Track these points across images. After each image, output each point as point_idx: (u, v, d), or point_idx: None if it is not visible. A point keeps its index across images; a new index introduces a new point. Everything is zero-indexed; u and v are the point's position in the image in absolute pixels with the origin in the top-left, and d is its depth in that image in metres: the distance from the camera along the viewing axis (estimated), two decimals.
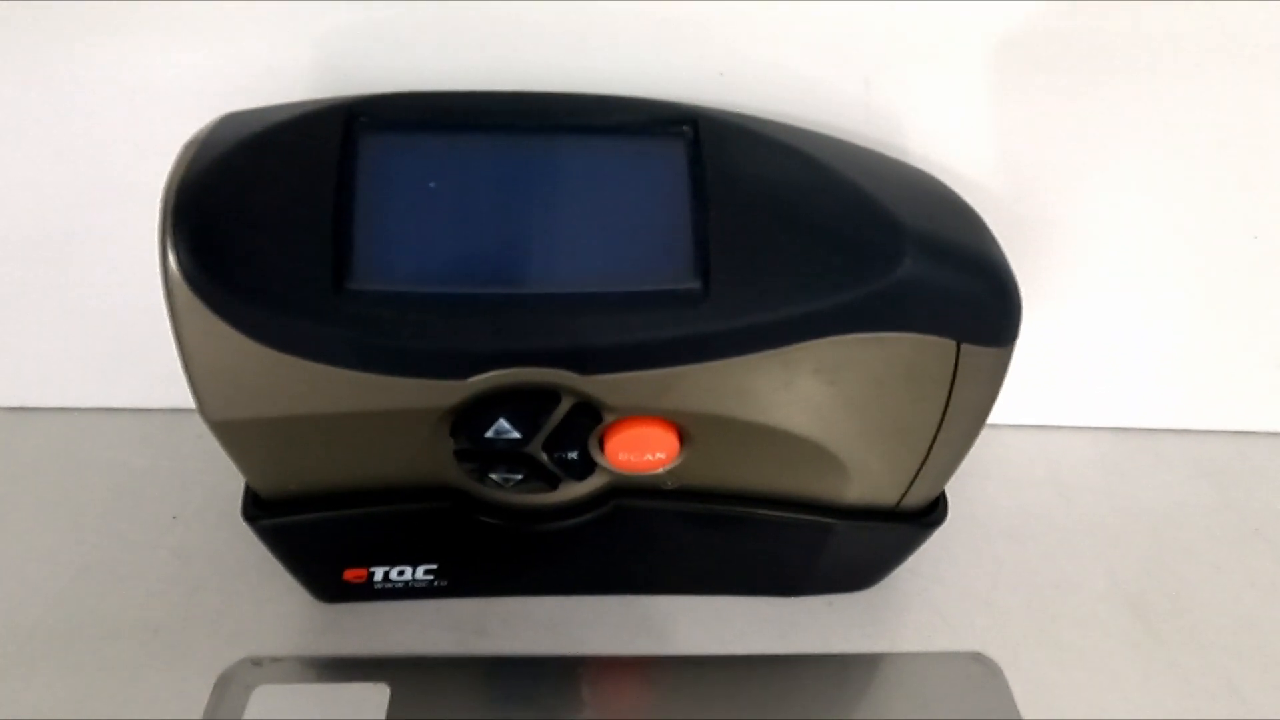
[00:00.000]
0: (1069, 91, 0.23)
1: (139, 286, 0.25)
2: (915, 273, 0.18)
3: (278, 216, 0.17)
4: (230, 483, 0.25)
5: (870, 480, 0.21)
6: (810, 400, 0.19)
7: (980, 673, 0.22)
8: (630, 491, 0.21)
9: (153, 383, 0.27)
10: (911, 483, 0.21)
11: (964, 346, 0.18)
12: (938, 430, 0.20)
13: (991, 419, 0.28)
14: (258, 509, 0.20)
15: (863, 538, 0.22)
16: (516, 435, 0.19)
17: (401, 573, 0.22)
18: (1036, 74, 0.23)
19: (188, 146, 0.17)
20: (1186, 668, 0.22)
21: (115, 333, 0.27)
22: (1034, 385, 0.28)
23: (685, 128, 0.19)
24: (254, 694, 0.20)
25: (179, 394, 0.27)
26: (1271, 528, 0.26)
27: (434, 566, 0.22)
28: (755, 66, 0.22)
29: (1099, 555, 0.25)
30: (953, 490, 0.23)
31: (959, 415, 0.20)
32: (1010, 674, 0.22)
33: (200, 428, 0.27)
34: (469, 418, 0.18)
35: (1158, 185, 0.25)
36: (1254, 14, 0.22)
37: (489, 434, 0.19)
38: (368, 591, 0.22)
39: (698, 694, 0.21)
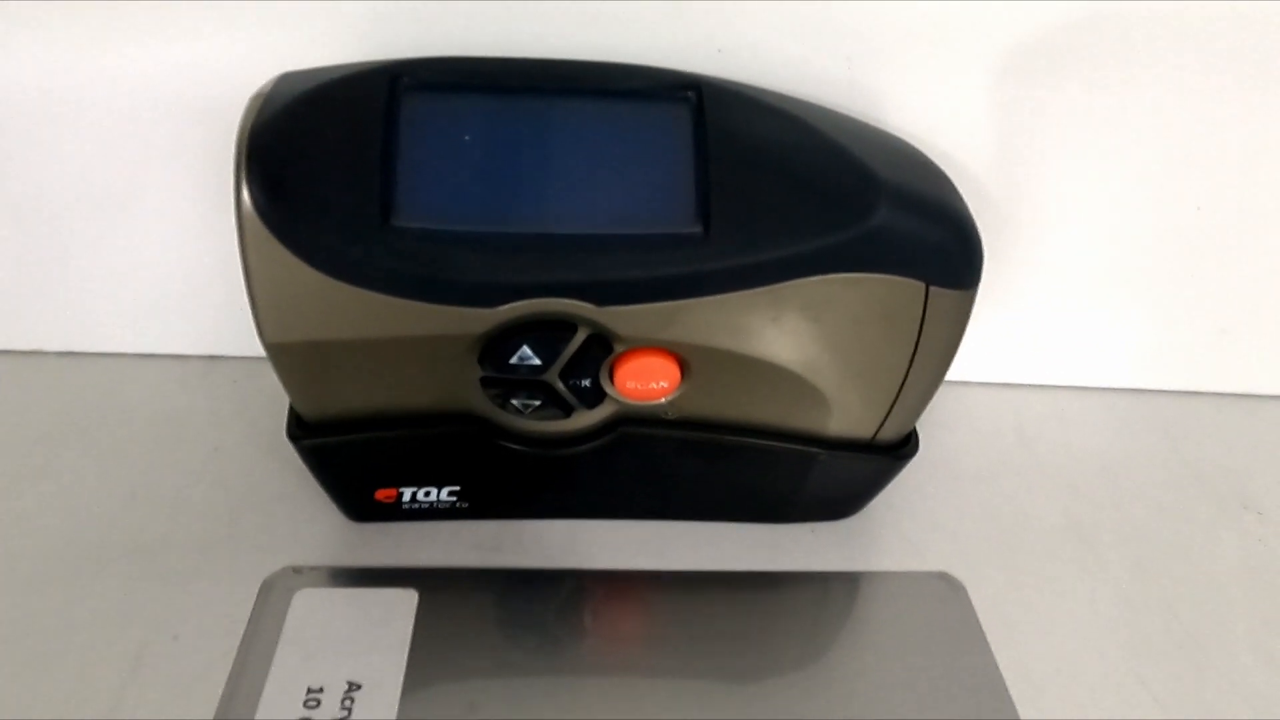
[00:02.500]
0: (1035, 77, 0.26)
1: (179, 243, 0.28)
2: (888, 220, 0.20)
3: (333, 161, 0.19)
4: (265, 419, 0.27)
5: (849, 414, 0.23)
6: (796, 336, 0.21)
7: (945, 589, 0.24)
8: (635, 421, 0.23)
9: (191, 331, 0.30)
10: (886, 417, 0.24)
11: (932, 289, 0.21)
12: (909, 368, 0.23)
13: (960, 376, 0.31)
14: (300, 430, 0.23)
15: (842, 468, 0.24)
16: (537, 362, 0.21)
17: (428, 494, 0.24)
18: (1003, 60, 0.25)
19: (254, 99, 0.20)
20: (1128, 589, 0.25)
21: (157, 284, 0.29)
22: (999, 346, 0.31)
23: (690, 93, 0.21)
24: (295, 597, 0.23)
25: (214, 342, 0.29)
26: (1211, 474, 0.29)
27: (457, 489, 0.24)
28: (750, 44, 0.25)
29: (1054, 495, 0.28)
30: (924, 439, 0.26)
31: (928, 354, 0.22)
32: (972, 591, 0.24)
33: (235, 372, 0.30)
34: (495, 345, 0.21)
35: (1113, 164, 0.28)
36: (1200, 8, 0.25)
37: (513, 361, 0.21)
38: (396, 512, 0.24)
39: (693, 605, 0.24)
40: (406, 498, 0.24)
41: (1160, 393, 0.32)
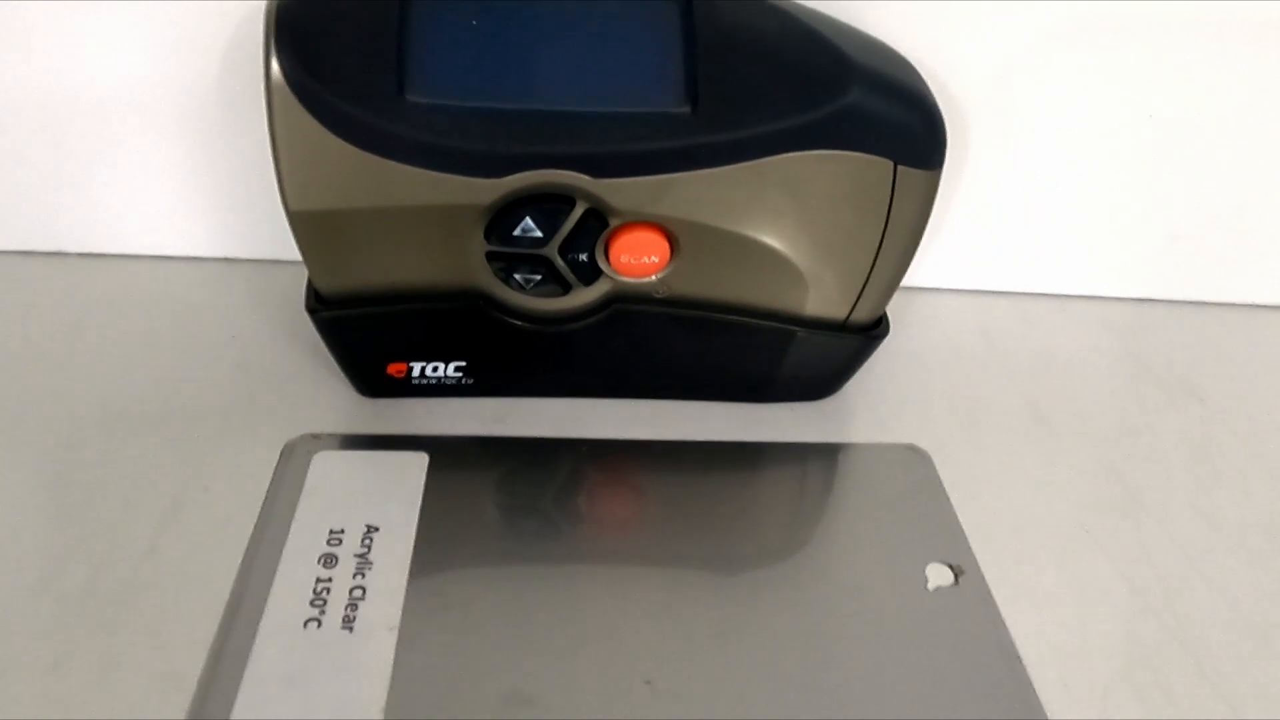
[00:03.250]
0: None
1: (196, 148, 0.29)
2: (860, 100, 0.22)
3: (354, 35, 0.21)
4: (280, 313, 0.29)
5: (825, 294, 0.25)
6: (776, 212, 0.23)
7: (913, 458, 0.27)
8: (628, 298, 0.25)
9: (207, 234, 0.31)
10: (859, 298, 0.26)
11: (900, 168, 0.23)
12: (879, 247, 0.25)
13: (928, 283, 0.34)
14: (318, 303, 0.24)
15: (819, 347, 0.26)
16: (538, 234, 0.23)
17: (435, 369, 0.26)
18: None
19: None
20: (1079, 458, 0.27)
21: (175, 189, 0.30)
22: (965, 254, 0.33)
23: None
24: (314, 459, 0.24)
25: (230, 245, 0.31)
26: (1160, 368, 0.32)
27: (463, 364, 0.26)
28: None
29: (1015, 382, 0.30)
30: (896, 337, 0.28)
31: (896, 234, 0.24)
32: (937, 460, 0.27)
33: (250, 273, 0.31)
34: (500, 217, 0.23)
35: (1071, 76, 0.30)
36: None
37: (516, 233, 0.23)
38: (406, 387, 0.26)
39: (680, 471, 0.26)
40: (416, 373, 0.26)
41: (1117, 300, 0.35)
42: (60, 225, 0.31)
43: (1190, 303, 0.35)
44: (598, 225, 0.23)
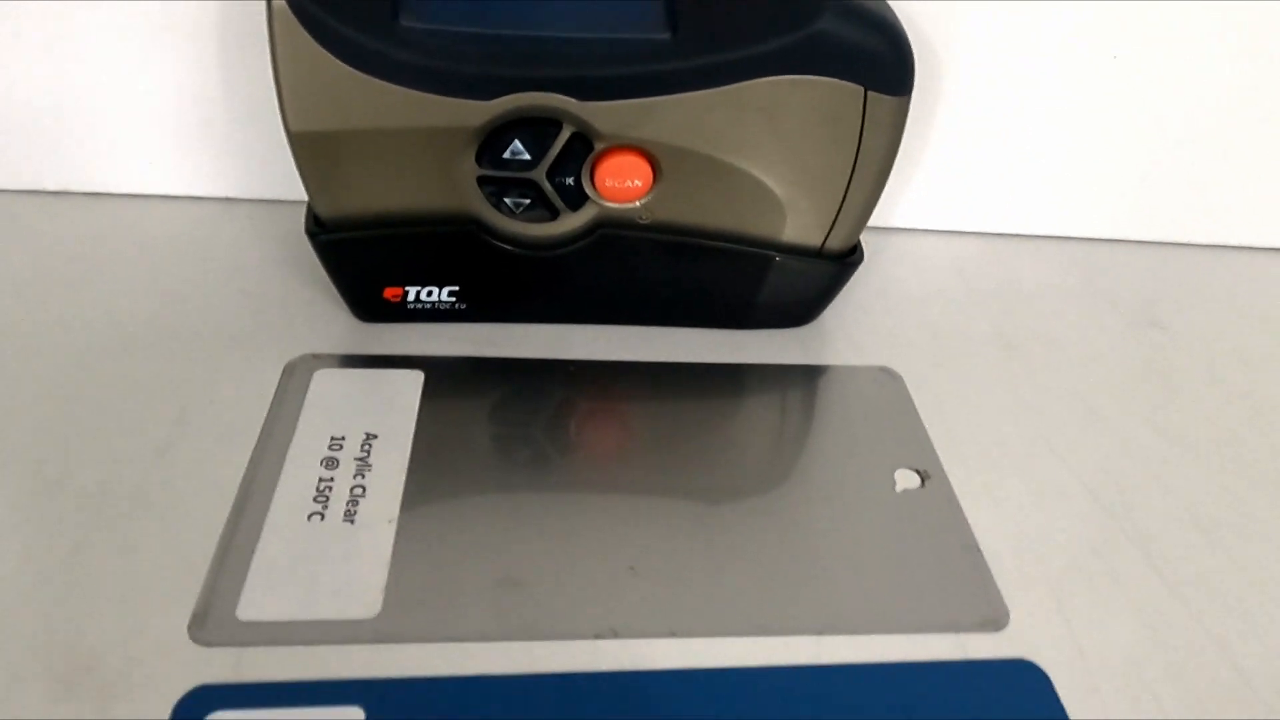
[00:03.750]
0: None
1: (199, 92, 0.30)
2: (831, 26, 0.23)
3: None
4: (280, 249, 0.30)
5: (801, 220, 0.27)
6: (753, 136, 0.24)
7: (886, 378, 0.28)
8: (613, 224, 0.26)
9: (209, 175, 0.32)
10: (833, 224, 0.27)
11: (870, 94, 0.24)
12: (852, 173, 0.26)
13: (902, 223, 0.35)
14: (317, 226, 0.25)
15: (796, 272, 0.28)
16: (527, 157, 0.24)
17: (430, 294, 0.27)
18: None
19: None
20: (1044, 380, 0.29)
21: (180, 129, 0.31)
22: (939, 196, 0.35)
23: None
24: (315, 375, 0.26)
25: (231, 185, 0.32)
26: (1125, 300, 0.33)
27: (456, 289, 0.27)
28: None
29: (986, 315, 0.31)
30: (870, 273, 0.29)
31: (868, 160, 0.25)
32: (908, 381, 0.28)
33: (252, 212, 0.32)
34: (491, 140, 0.24)
35: (1038, 18, 0.31)
36: None
37: (506, 155, 0.24)
38: (401, 311, 0.27)
39: (665, 388, 0.27)
40: (411, 297, 0.27)
41: (1087, 240, 0.36)
42: (66, 166, 0.32)
43: (1157, 243, 0.36)
44: (583, 149, 0.24)
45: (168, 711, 0.18)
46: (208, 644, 0.19)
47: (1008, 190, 0.35)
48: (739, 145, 0.25)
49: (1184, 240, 0.36)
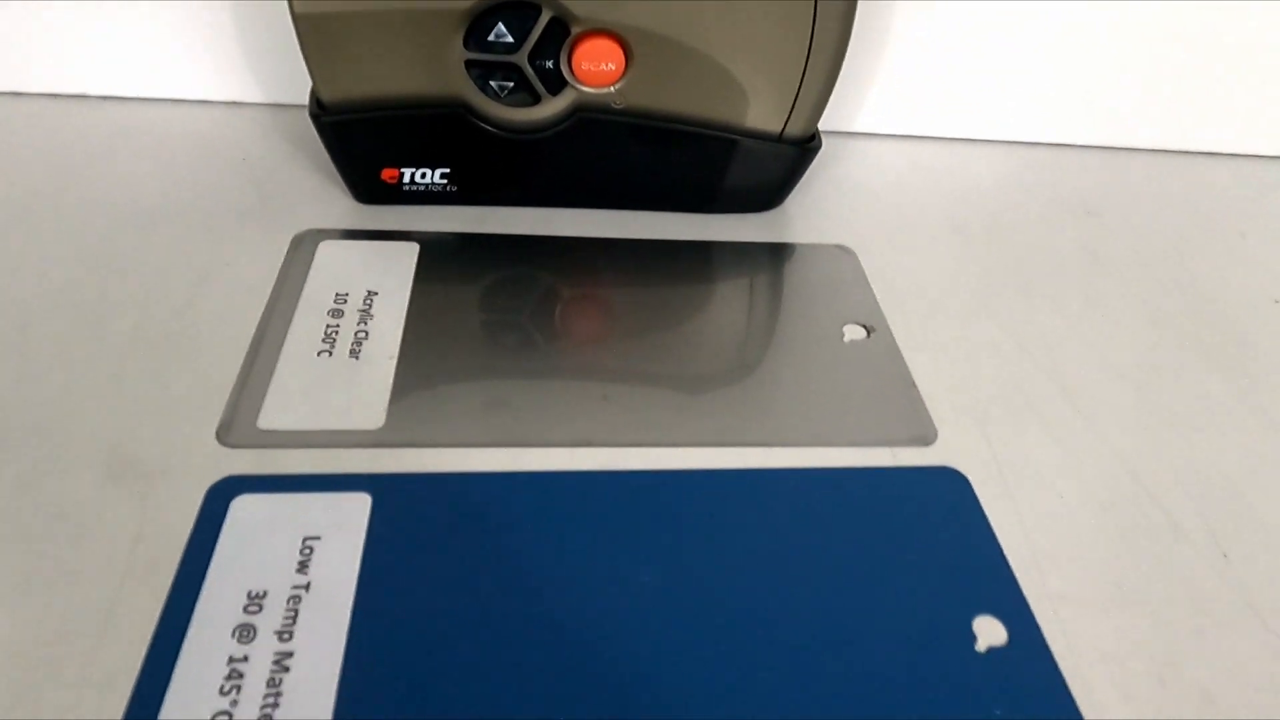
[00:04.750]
0: None
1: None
2: None
3: None
4: (285, 145, 0.33)
5: (762, 106, 0.29)
6: (716, 23, 0.27)
7: (841, 254, 0.31)
8: (590, 109, 0.29)
9: (216, 79, 0.35)
10: (791, 110, 0.29)
11: None
12: (806, 61, 0.28)
13: (863, 128, 0.37)
14: (321, 109, 0.28)
15: (759, 156, 0.30)
16: (510, 40, 0.27)
17: (424, 175, 0.30)
18: None
19: None
20: (990, 262, 0.31)
21: (192, 32, 0.34)
22: (898, 102, 0.37)
23: None
24: (319, 247, 0.28)
25: (235, 90, 0.34)
26: (1066, 197, 0.36)
27: (447, 171, 0.30)
28: None
29: (937, 204, 0.34)
30: (830, 168, 0.31)
31: (821, 48, 0.28)
32: (861, 256, 0.31)
33: (256, 114, 0.35)
34: (477, 24, 0.26)
35: None
36: None
37: (490, 38, 0.26)
38: (397, 193, 0.30)
39: (641, 262, 0.29)
40: (406, 178, 0.30)
41: (1039, 144, 0.38)
42: (83, 70, 0.34)
43: (1099, 147, 0.39)
44: (561, 33, 0.27)
45: (200, 496, 0.20)
46: (233, 446, 0.22)
47: (962, 97, 0.37)
48: (703, 31, 0.27)
49: (1124, 145, 0.39)
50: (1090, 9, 0.35)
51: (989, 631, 0.20)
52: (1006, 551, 0.21)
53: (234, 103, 0.35)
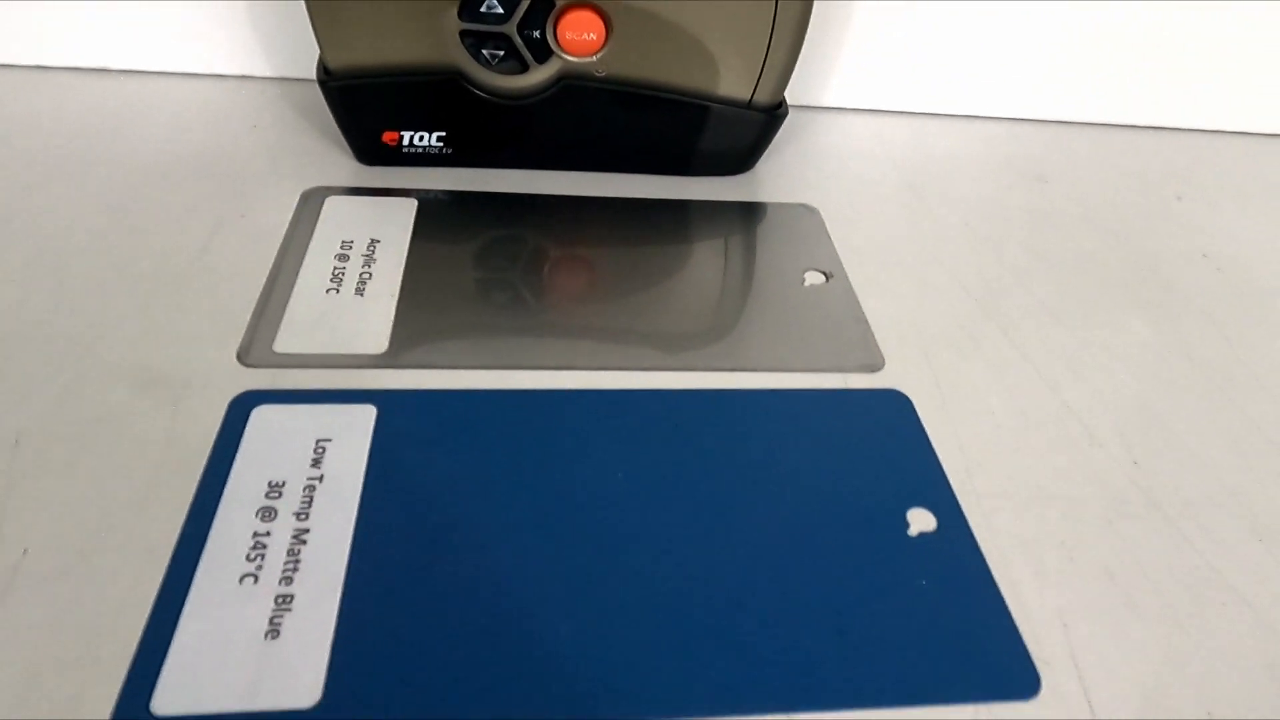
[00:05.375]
0: None
1: None
2: None
3: None
4: (291, 114, 0.35)
5: (732, 75, 0.32)
6: None
7: (805, 212, 0.33)
8: (574, 76, 0.31)
9: (226, 53, 0.37)
10: (759, 78, 0.32)
11: None
12: (771, 33, 0.31)
13: (830, 103, 0.40)
14: (327, 75, 0.30)
15: (730, 121, 0.33)
16: (500, 11, 0.29)
17: (421, 138, 0.32)
18: None
19: None
20: (942, 220, 0.34)
21: (200, 13, 0.36)
22: (863, 78, 0.40)
23: None
24: (326, 201, 0.31)
25: (244, 64, 0.37)
26: (1019, 165, 0.38)
27: (443, 134, 0.32)
28: None
29: (897, 170, 0.37)
30: (797, 138, 0.34)
31: (784, 21, 0.30)
32: (824, 213, 0.33)
33: (265, 87, 0.37)
34: None
35: None
36: None
37: (482, 9, 0.29)
38: (397, 155, 0.33)
39: (622, 217, 0.32)
40: (405, 141, 0.32)
41: (997, 119, 0.41)
42: (105, 46, 0.36)
43: (1054, 121, 0.42)
44: (547, 6, 0.29)
45: (224, 407, 0.23)
46: (252, 366, 0.24)
47: (922, 75, 0.40)
48: (677, 4, 0.30)
49: (1073, 119, 0.42)
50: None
51: (921, 520, 0.22)
52: (941, 457, 0.24)
53: (244, 76, 0.38)
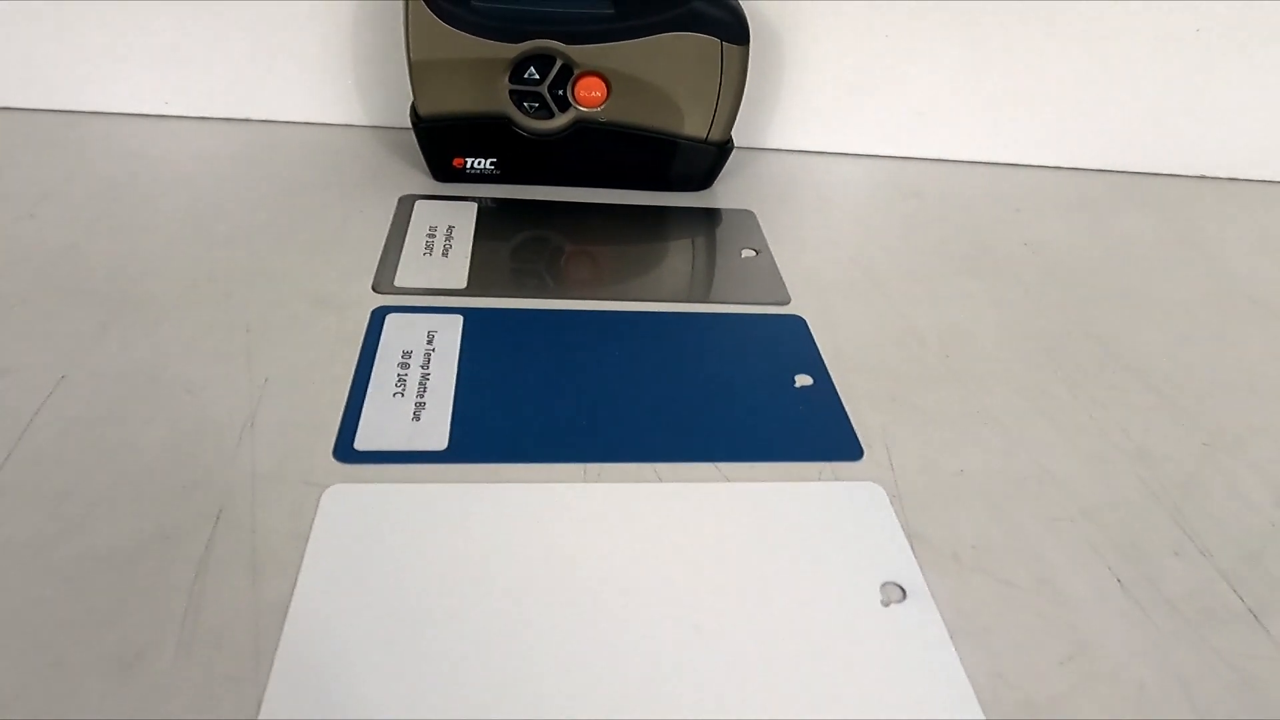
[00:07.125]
0: None
1: (335, 34, 0.50)
2: (700, 6, 0.43)
3: None
4: (383, 149, 0.49)
5: (693, 120, 0.46)
6: (663, 67, 0.44)
7: (747, 215, 0.47)
8: (585, 121, 0.45)
9: (333, 106, 0.51)
10: (711, 123, 0.46)
11: (724, 44, 0.44)
12: (719, 91, 0.45)
13: (766, 145, 0.54)
14: (418, 119, 0.44)
15: (693, 154, 0.47)
16: (537, 77, 0.43)
17: (480, 162, 0.46)
18: None
19: None
20: (842, 219, 0.48)
21: (318, 70, 0.50)
22: (789, 127, 0.54)
23: None
24: (416, 204, 0.45)
25: (345, 113, 0.51)
26: (900, 188, 0.52)
27: (495, 160, 0.46)
28: None
29: (815, 191, 0.51)
30: (744, 168, 0.48)
31: (728, 83, 0.45)
32: (760, 217, 0.47)
33: (360, 132, 0.51)
34: (518, 67, 0.43)
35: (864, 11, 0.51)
36: None
37: (525, 76, 0.43)
38: (462, 174, 0.46)
39: (618, 216, 0.46)
40: (469, 164, 0.46)
41: (908, 159, 0.56)
42: (248, 98, 0.51)
43: (930, 159, 0.56)
44: (568, 73, 0.44)
45: (367, 317, 0.36)
46: (381, 293, 0.38)
47: (835, 124, 0.55)
48: (654, 72, 0.44)
49: (947, 158, 0.56)
50: (936, 48, 0.53)
51: (802, 380, 0.35)
52: (822, 353, 0.37)
53: (347, 125, 0.52)
